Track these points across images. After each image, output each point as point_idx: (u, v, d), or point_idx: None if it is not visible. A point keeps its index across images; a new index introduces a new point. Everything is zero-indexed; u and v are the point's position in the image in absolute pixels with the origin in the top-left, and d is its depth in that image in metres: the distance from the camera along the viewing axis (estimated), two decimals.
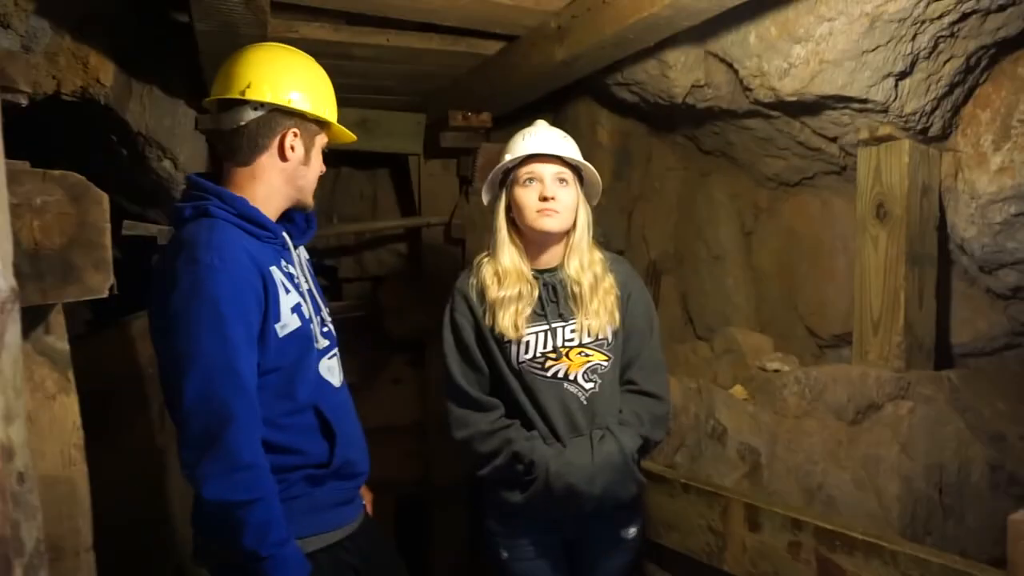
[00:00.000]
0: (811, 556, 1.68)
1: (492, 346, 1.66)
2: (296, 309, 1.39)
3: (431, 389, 3.12)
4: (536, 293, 1.67)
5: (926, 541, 1.66)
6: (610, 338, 1.67)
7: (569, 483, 1.59)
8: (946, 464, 1.74)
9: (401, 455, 3.13)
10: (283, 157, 1.40)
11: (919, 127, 1.86)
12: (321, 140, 1.48)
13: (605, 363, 1.66)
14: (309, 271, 1.54)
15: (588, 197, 1.72)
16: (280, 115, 1.39)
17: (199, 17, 1.66)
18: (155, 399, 2.22)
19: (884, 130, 1.88)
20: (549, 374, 1.64)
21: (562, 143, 1.67)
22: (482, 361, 1.68)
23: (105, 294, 1.11)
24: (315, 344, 1.43)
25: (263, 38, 1.71)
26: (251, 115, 1.37)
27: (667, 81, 2.30)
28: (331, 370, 1.48)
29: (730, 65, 2.11)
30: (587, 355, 1.65)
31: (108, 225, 1.13)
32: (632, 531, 1.75)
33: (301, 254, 1.53)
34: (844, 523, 1.69)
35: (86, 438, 1.23)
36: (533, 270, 1.70)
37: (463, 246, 3.09)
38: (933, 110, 1.83)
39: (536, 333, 1.65)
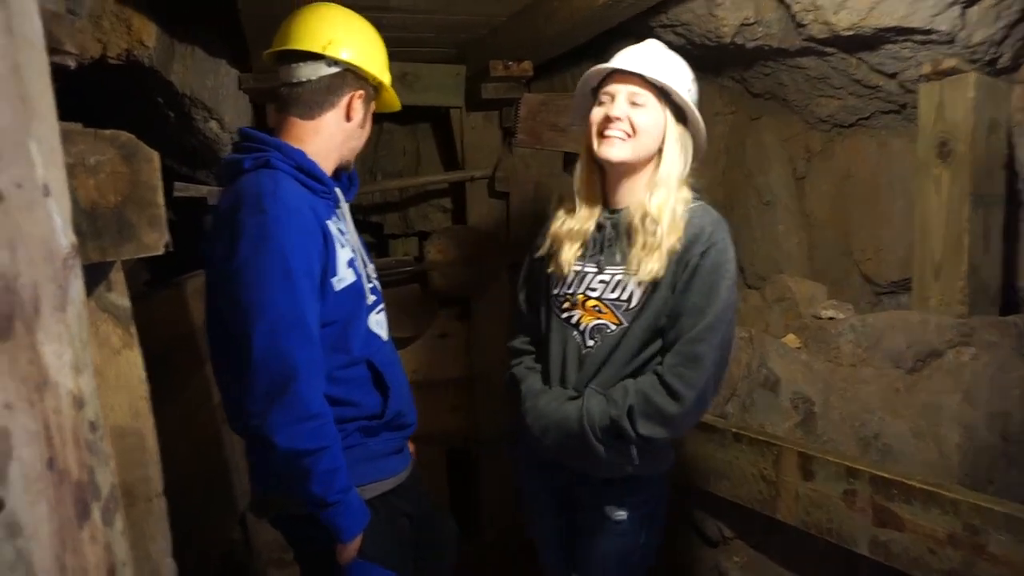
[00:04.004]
0: (867, 505, 1.66)
1: (542, 271, 1.60)
2: (351, 263, 1.40)
3: (478, 343, 3.14)
4: (589, 230, 1.51)
5: (988, 490, 1.62)
6: (635, 302, 1.44)
7: (531, 425, 1.54)
8: (1011, 412, 1.68)
9: (449, 409, 3.18)
10: (347, 117, 1.41)
11: (987, 58, 1.75)
12: (374, 104, 1.49)
13: (613, 327, 1.47)
14: (353, 227, 1.55)
15: (694, 145, 1.48)
16: (353, 76, 1.40)
17: None
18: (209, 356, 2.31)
19: (948, 63, 1.78)
20: (563, 316, 1.54)
21: (651, 61, 1.43)
22: (537, 283, 1.63)
23: (161, 251, 1.13)
24: (365, 299, 1.44)
25: None
26: (325, 71, 1.38)
27: (714, 20, 2.21)
28: (379, 324, 1.50)
29: (781, 0, 2.01)
30: (599, 311, 1.49)
31: (160, 183, 1.15)
32: (620, 514, 1.54)
33: (347, 211, 1.54)
34: (902, 471, 1.66)
35: (153, 395, 1.28)
36: (606, 209, 1.52)
37: (507, 199, 3.06)
38: (1003, 39, 1.72)
39: (573, 271, 1.53)
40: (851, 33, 1.89)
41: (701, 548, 2.27)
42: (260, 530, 2.48)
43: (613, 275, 1.48)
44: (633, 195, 1.47)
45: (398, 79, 2.84)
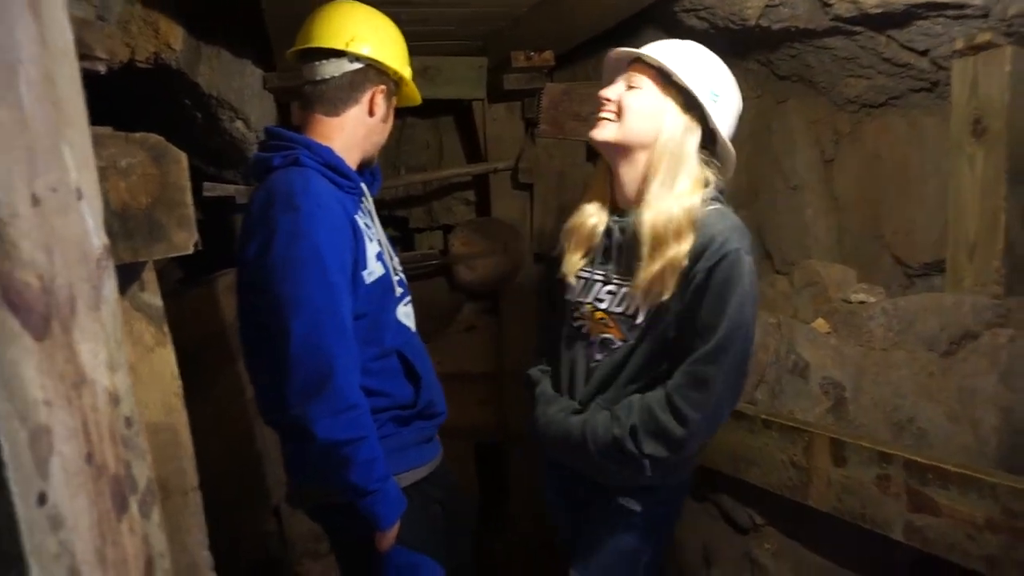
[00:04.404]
0: (901, 490, 1.64)
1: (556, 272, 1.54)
2: (379, 257, 1.43)
3: (506, 338, 3.14)
4: (597, 233, 1.42)
5: None
6: (640, 318, 1.35)
7: (541, 431, 1.50)
8: None
9: (477, 403, 3.19)
10: (370, 112, 1.43)
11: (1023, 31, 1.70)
12: (395, 99, 1.51)
13: (619, 342, 1.39)
14: (378, 221, 1.57)
15: (720, 156, 1.35)
16: (375, 72, 1.42)
17: None
18: (241, 352, 2.35)
19: (983, 37, 1.73)
20: (575, 324, 1.47)
21: (664, 49, 1.33)
22: (553, 285, 1.58)
23: (191, 250, 1.16)
24: (393, 291, 1.46)
25: None
26: (348, 67, 1.40)
27: (739, 3, 2.17)
28: (408, 316, 1.52)
29: None
30: (606, 324, 1.40)
31: (188, 184, 1.17)
32: (632, 503, 1.46)
33: (371, 205, 1.56)
34: (937, 456, 1.63)
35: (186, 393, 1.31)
36: (616, 211, 1.42)
37: (531, 190, 3.06)
38: None
39: (581, 278, 1.46)
40: (880, 10, 1.85)
41: (731, 535, 2.26)
42: (295, 522, 2.52)
43: (620, 287, 1.38)
44: (632, 194, 1.37)
45: (419, 73, 2.84)
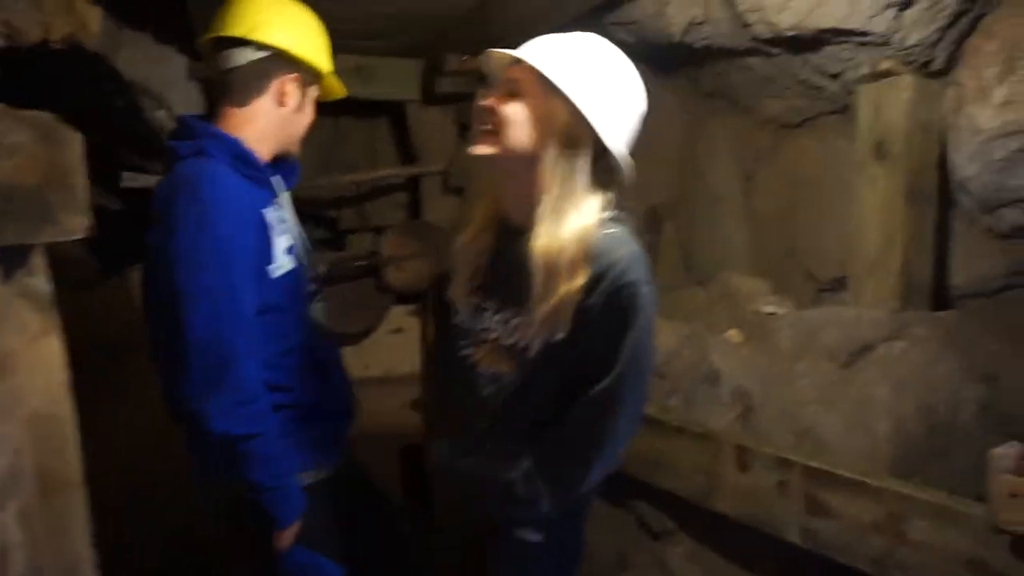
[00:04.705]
0: (799, 494, 1.70)
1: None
2: (290, 251, 1.41)
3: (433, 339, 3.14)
4: (484, 253, 1.28)
5: (915, 480, 1.66)
6: (533, 351, 1.19)
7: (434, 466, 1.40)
8: (938, 405, 1.73)
9: (402, 405, 3.17)
10: (280, 102, 1.41)
11: (921, 60, 1.79)
12: (314, 91, 1.49)
13: (510, 376, 1.24)
14: (294, 216, 1.55)
15: (612, 160, 1.17)
16: (282, 60, 1.40)
17: None
18: None
19: (885, 65, 1.82)
20: (463, 353, 1.31)
21: (538, 42, 1.17)
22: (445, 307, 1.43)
23: (81, 235, 1.12)
24: (304, 287, 1.45)
25: None
26: (253, 56, 1.38)
27: (664, 19, 2.23)
28: (321, 312, 1.50)
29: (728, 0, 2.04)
30: (496, 356, 1.26)
31: (82, 166, 1.13)
32: (532, 535, 1.30)
33: (287, 199, 1.53)
34: (831, 462, 1.70)
35: (99, 386, 1.26)
36: (509, 232, 1.25)
37: (463, 194, 3.06)
38: (936, 42, 1.77)
39: (470, 301, 1.30)
40: (794, 33, 1.92)
41: (645, 540, 2.29)
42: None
43: (510, 316, 1.22)
44: (522, 214, 1.20)
45: (353, 72, 2.83)
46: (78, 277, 2.56)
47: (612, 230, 1.18)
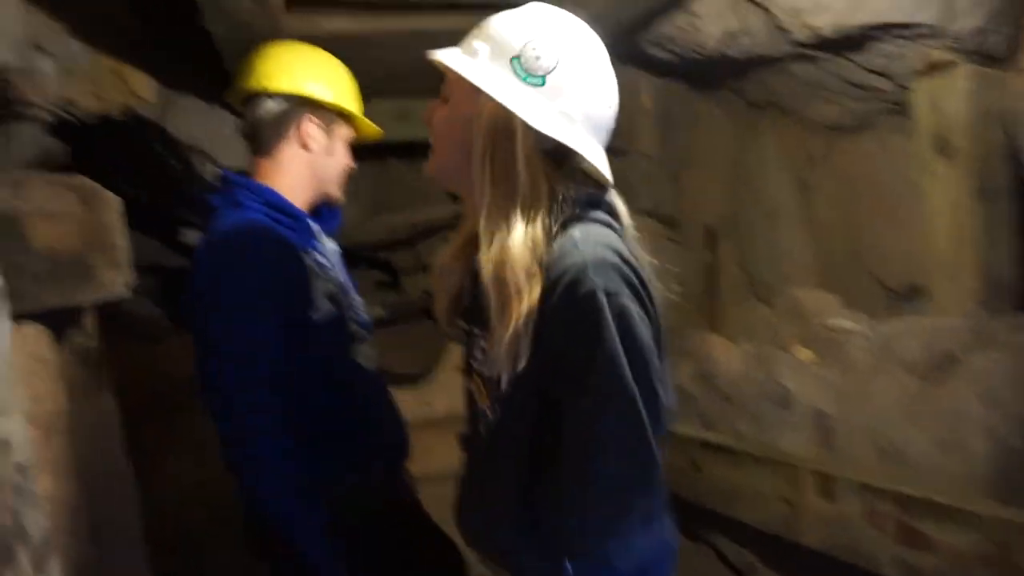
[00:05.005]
0: (891, 524, 1.58)
1: None
2: (331, 296, 1.40)
3: None
4: (460, 275, 1.09)
5: (1020, 502, 1.52)
6: (504, 385, 0.99)
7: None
8: None
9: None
10: (305, 146, 1.42)
11: (977, 48, 1.68)
12: (344, 132, 1.50)
13: (490, 415, 1.04)
14: (338, 261, 1.55)
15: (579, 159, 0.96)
16: (298, 104, 1.41)
17: (210, 20, 1.69)
18: None
19: (938, 56, 1.72)
20: (466, 387, 1.14)
21: (477, 31, 0.99)
22: None
23: (123, 293, 1.14)
24: (350, 331, 1.44)
25: (279, 34, 1.72)
26: (271, 106, 1.40)
27: (699, 32, 2.18)
28: (367, 357, 1.49)
29: (762, 6, 1.97)
30: (480, 391, 1.07)
31: (121, 226, 1.16)
32: None
33: (329, 244, 1.54)
34: (926, 487, 1.57)
35: (160, 441, 1.27)
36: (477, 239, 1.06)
37: None
38: (991, 26, 1.65)
39: (458, 327, 1.13)
40: (835, 34, 1.84)
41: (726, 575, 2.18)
42: None
43: (486, 345, 1.03)
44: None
45: (399, 117, 2.85)
46: (147, 331, 2.65)
47: (575, 234, 0.94)
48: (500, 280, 0.94)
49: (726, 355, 2.20)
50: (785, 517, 1.83)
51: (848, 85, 2.10)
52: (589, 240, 0.93)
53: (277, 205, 1.39)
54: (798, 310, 2.21)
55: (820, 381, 1.92)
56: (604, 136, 1.00)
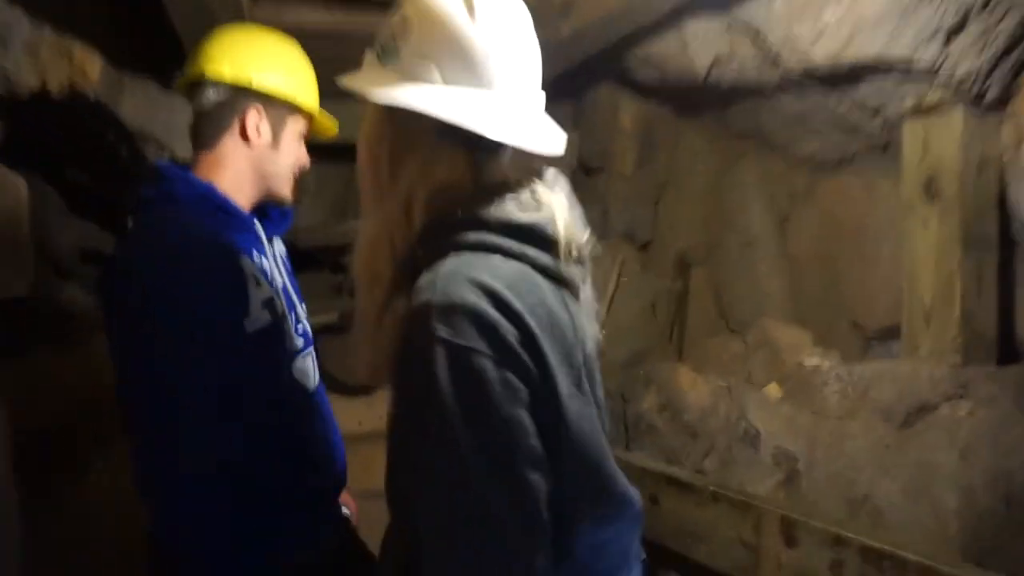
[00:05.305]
0: None
1: None
2: (267, 304, 1.28)
3: None
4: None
5: (991, 563, 1.46)
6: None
7: None
8: (1014, 473, 1.53)
9: None
10: (246, 139, 1.30)
11: (974, 92, 1.64)
12: (295, 125, 1.38)
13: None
14: (284, 266, 1.43)
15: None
16: (241, 95, 1.29)
17: (171, 1, 1.57)
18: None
19: (933, 97, 1.68)
20: None
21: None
22: None
23: (23, 292, 1.00)
24: (287, 343, 1.31)
25: (242, 19, 1.60)
26: (212, 96, 1.28)
27: (687, 58, 2.12)
28: (304, 372, 1.37)
29: (755, 34, 1.92)
30: None
31: (25, 215, 1.02)
32: None
33: (276, 247, 1.42)
34: (894, 540, 1.50)
35: (44, 482, 1.13)
36: None
37: None
38: (990, 71, 1.62)
39: None
40: (829, 67, 1.80)
41: None
42: None
43: None
44: None
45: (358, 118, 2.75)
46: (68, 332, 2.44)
47: (442, 265, 0.77)
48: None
49: (694, 387, 2.13)
50: (745, 561, 1.75)
51: (834, 120, 2.06)
52: (453, 275, 0.75)
53: (218, 204, 1.27)
54: (771, 345, 2.14)
55: (790, 422, 1.85)
56: (513, 83, 0.84)
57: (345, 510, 1.52)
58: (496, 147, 0.87)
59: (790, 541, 1.64)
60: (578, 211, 0.90)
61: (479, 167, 0.87)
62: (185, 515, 1.13)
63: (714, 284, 2.63)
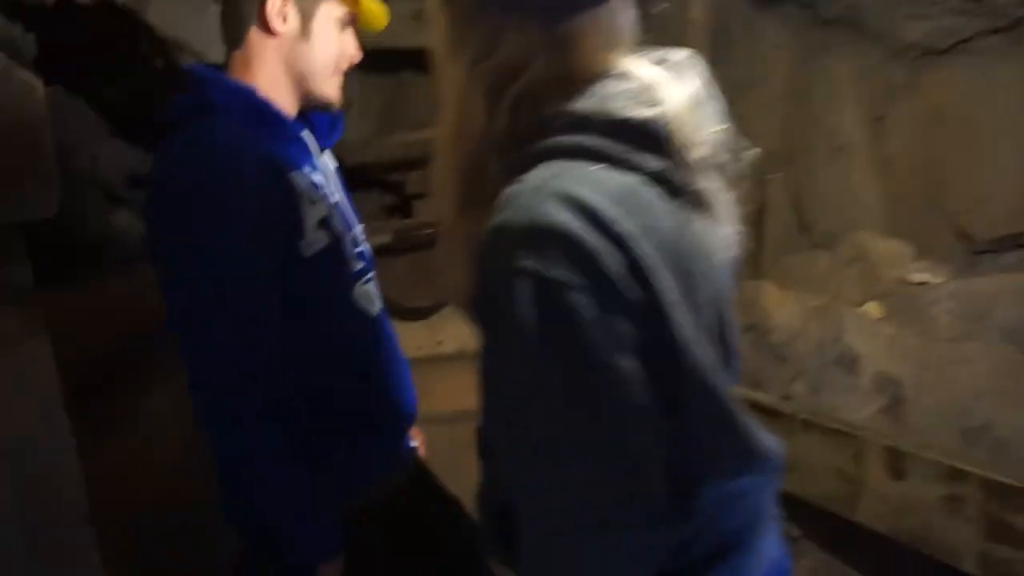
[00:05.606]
0: (976, 514, 1.37)
1: None
2: (323, 224, 1.14)
3: None
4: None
5: None
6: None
7: None
8: None
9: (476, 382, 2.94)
10: (269, 30, 1.12)
11: None
12: (329, 10, 1.17)
13: None
14: (337, 181, 1.28)
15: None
16: None
17: None
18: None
19: None
20: None
21: None
22: None
23: (48, 213, 0.88)
24: (347, 267, 1.18)
25: None
26: None
27: None
28: (367, 296, 1.24)
29: None
30: None
31: (47, 125, 0.88)
32: None
33: (327, 161, 1.27)
34: (1018, 473, 1.36)
35: (86, 411, 1.05)
36: None
37: None
38: None
39: None
40: None
41: None
42: None
43: None
44: None
45: (412, 17, 2.53)
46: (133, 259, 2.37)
47: (529, 177, 0.61)
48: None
49: (781, 308, 1.96)
50: (840, 493, 1.63)
51: None
52: (540, 189, 0.60)
53: (261, 110, 1.10)
54: (866, 260, 1.95)
55: (894, 344, 1.68)
56: None
57: (413, 441, 1.43)
58: (588, 8, 0.65)
59: (896, 473, 1.51)
60: (715, 106, 0.71)
61: (563, 43, 0.66)
62: (247, 451, 1.06)
63: (795, 195, 2.41)
